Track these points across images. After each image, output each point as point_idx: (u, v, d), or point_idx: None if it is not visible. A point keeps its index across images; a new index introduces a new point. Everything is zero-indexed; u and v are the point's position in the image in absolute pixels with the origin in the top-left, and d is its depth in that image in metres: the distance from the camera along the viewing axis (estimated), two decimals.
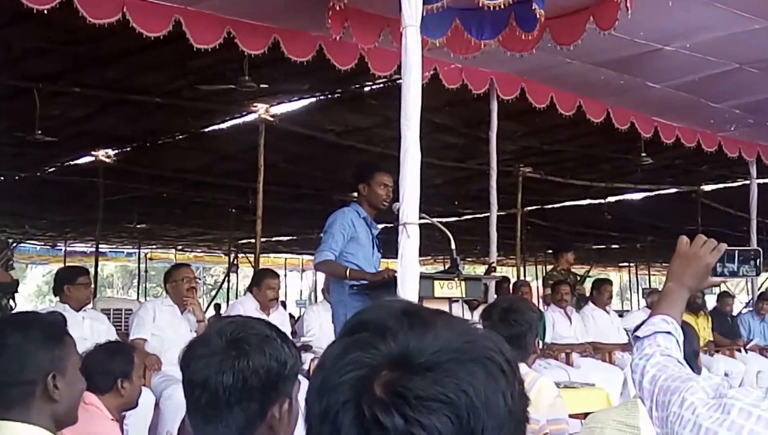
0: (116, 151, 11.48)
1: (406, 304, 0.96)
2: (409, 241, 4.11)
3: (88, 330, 5.73)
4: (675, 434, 1.69)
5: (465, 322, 0.95)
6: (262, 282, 6.95)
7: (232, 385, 1.67)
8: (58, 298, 6.04)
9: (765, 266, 2.08)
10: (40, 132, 8.92)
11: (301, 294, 28.34)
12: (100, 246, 15.94)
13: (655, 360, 1.90)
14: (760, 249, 2.10)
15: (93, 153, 11.45)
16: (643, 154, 10.43)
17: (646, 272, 27.87)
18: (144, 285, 24.70)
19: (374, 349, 0.87)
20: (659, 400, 1.80)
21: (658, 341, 1.95)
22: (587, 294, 9.47)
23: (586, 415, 5.69)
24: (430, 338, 0.88)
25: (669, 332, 1.97)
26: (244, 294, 8.72)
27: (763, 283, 11.12)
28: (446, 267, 5.31)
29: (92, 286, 6.09)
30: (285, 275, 25.45)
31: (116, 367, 3.43)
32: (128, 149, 11.33)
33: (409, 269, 4.11)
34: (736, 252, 2.03)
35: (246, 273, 23.83)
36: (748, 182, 11.13)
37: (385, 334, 0.89)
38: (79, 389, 2.22)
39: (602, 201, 15.10)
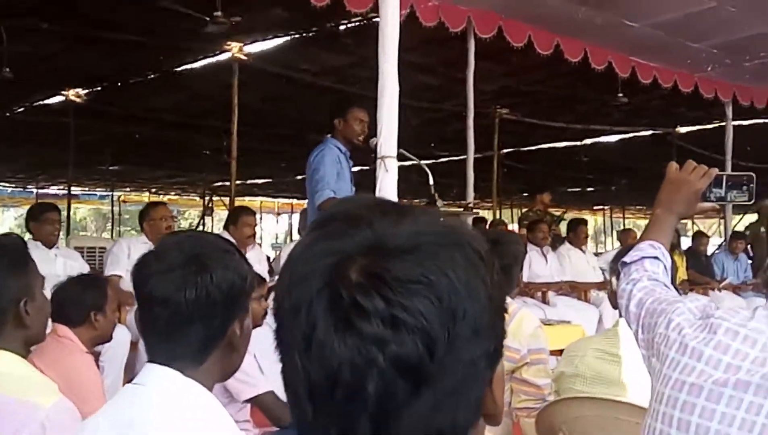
0: (87, 91, 11.26)
1: (378, 198, 0.93)
2: (388, 174, 4.07)
3: (61, 267, 5.68)
4: (661, 354, 1.67)
5: (439, 212, 0.91)
6: (239, 219, 6.90)
7: (195, 301, 1.61)
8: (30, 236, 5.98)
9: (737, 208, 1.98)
10: (8, 69, 8.70)
11: (276, 237, 28.33)
12: (72, 188, 15.78)
13: (642, 284, 1.88)
14: (753, 174, 2.02)
15: (63, 92, 11.24)
16: (620, 95, 10.39)
17: (621, 215, 28.08)
18: (118, 228, 24.51)
19: (347, 237, 0.83)
20: (646, 322, 1.78)
21: (645, 266, 1.94)
22: (562, 234, 9.51)
23: (562, 351, 5.75)
24: (407, 223, 0.84)
25: (656, 257, 1.95)
26: (221, 233, 8.65)
27: (736, 224, 11.21)
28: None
29: (60, 222, 6.00)
30: (260, 218, 25.40)
31: (89, 299, 3.36)
32: (99, 89, 11.12)
33: None
34: (724, 177, 1.98)
35: (221, 216, 23.75)
36: (723, 124, 11.17)
37: (358, 222, 0.84)
38: (47, 310, 2.19)
39: (578, 143, 15.10)
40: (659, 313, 1.75)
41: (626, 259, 1.97)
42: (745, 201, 2.02)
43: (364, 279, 0.79)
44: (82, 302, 3.34)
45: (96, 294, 3.39)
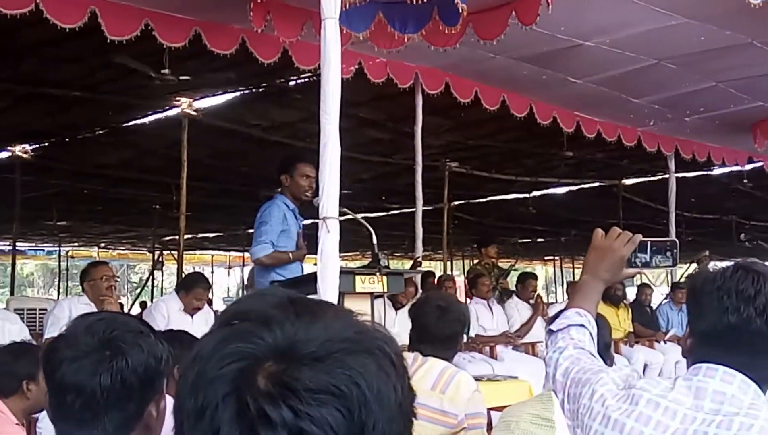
0: (34, 147, 11.13)
1: (290, 293, 0.90)
2: (330, 235, 4.05)
3: None
4: (585, 426, 1.69)
5: (352, 313, 0.90)
6: (192, 289, 6.74)
7: (110, 387, 1.57)
8: None
9: (682, 258, 2.06)
10: None
11: (228, 291, 28.06)
12: (18, 244, 15.53)
13: (568, 353, 1.90)
14: (676, 240, 2.08)
15: (9, 148, 11.11)
16: (566, 149, 10.59)
17: (571, 265, 28.35)
18: (66, 283, 24.08)
19: (258, 339, 0.81)
20: (571, 392, 1.80)
21: (572, 334, 1.95)
22: (511, 288, 9.56)
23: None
24: (319, 328, 0.82)
25: (582, 325, 1.97)
26: (170, 293, 8.51)
27: (684, 273, 11.37)
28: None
29: None
30: (212, 272, 25.19)
31: (21, 368, 3.26)
32: (46, 144, 11.01)
33: (329, 264, 4.06)
34: (649, 243, 2.02)
35: (172, 270, 23.53)
36: (666, 176, 11.41)
37: (269, 323, 0.82)
38: None
39: (527, 195, 15.29)
40: (584, 383, 1.76)
41: (553, 327, 1.99)
42: (669, 266, 2.07)
43: (273, 388, 0.77)
44: (14, 372, 3.24)
45: (28, 362, 3.28)
